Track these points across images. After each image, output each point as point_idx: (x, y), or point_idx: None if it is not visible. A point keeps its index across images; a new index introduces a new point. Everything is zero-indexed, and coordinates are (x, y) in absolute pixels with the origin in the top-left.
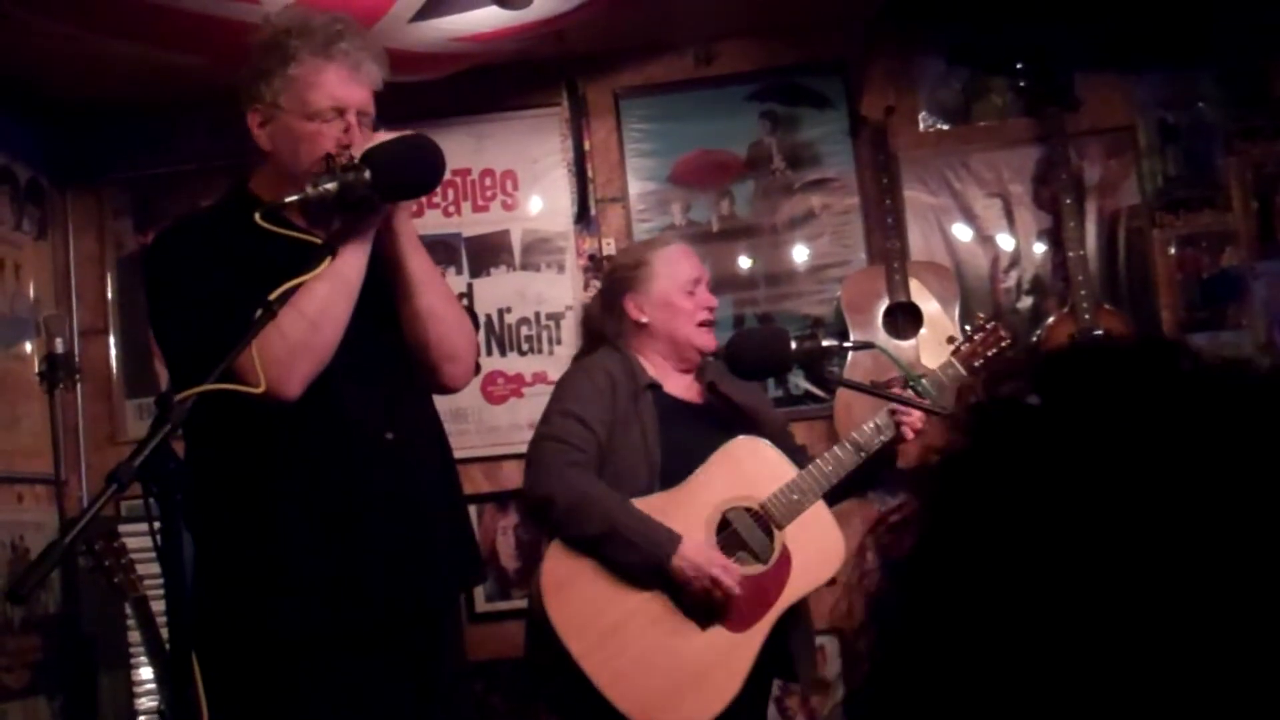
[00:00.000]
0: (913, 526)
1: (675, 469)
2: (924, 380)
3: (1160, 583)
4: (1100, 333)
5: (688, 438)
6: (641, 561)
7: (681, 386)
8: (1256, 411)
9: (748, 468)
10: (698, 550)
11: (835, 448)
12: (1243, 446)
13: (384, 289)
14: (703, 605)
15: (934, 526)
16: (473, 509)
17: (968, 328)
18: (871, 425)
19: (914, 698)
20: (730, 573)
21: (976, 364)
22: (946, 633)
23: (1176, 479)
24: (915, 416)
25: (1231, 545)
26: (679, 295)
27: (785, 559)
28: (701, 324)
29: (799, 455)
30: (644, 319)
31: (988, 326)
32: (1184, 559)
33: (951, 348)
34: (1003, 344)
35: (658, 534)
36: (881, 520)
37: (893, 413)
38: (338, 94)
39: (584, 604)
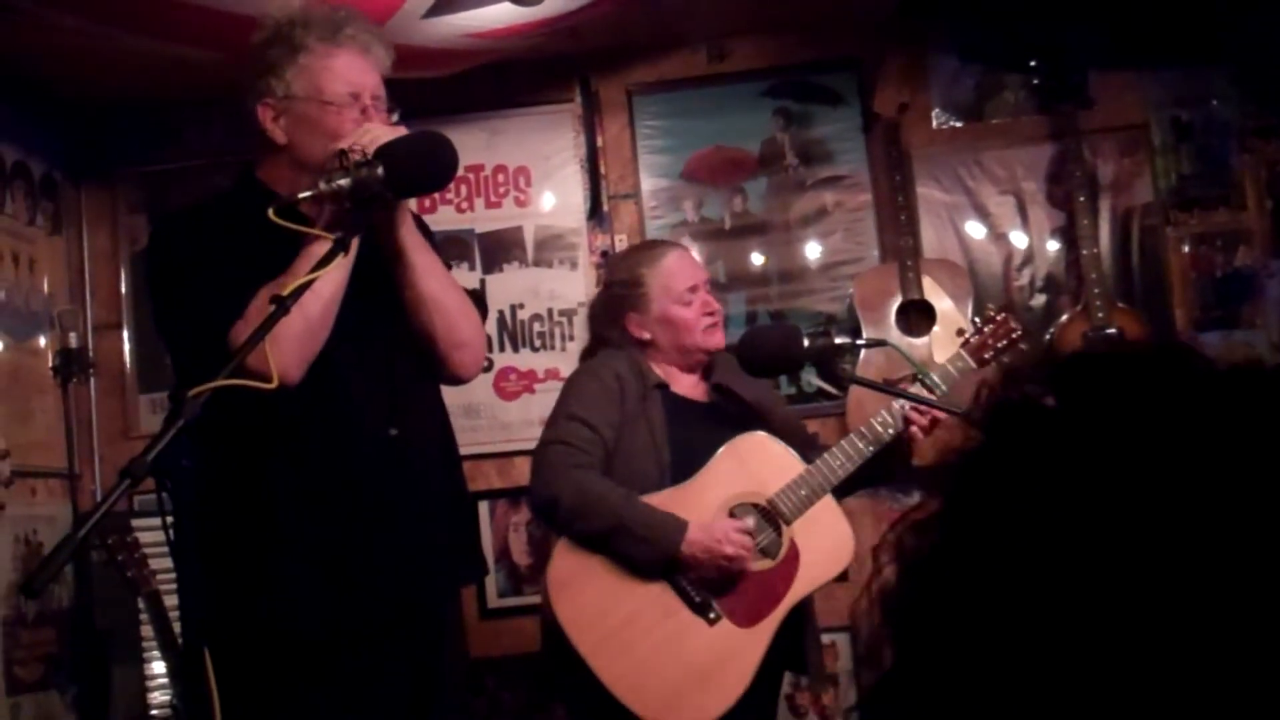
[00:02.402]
0: (932, 526)
1: (684, 467)
2: (934, 375)
3: (1174, 582)
4: (1113, 331)
5: (696, 436)
6: (650, 553)
7: (688, 385)
8: (1269, 413)
9: (754, 463)
10: (705, 532)
11: (843, 441)
12: (1257, 449)
13: (388, 283)
14: (716, 587)
15: (952, 526)
16: (485, 505)
17: (976, 320)
18: (880, 418)
19: (930, 697)
20: (744, 545)
21: (986, 356)
22: (963, 632)
23: (1191, 481)
24: (922, 416)
25: (1244, 545)
26: (677, 308)
27: (793, 555)
28: (706, 328)
29: (812, 446)
30: (647, 336)
31: (997, 318)
32: (1198, 559)
33: (961, 340)
34: (1013, 335)
35: (663, 524)
36: (901, 519)
37: (908, 421)
38: (352, 79)
39: (591, 601)
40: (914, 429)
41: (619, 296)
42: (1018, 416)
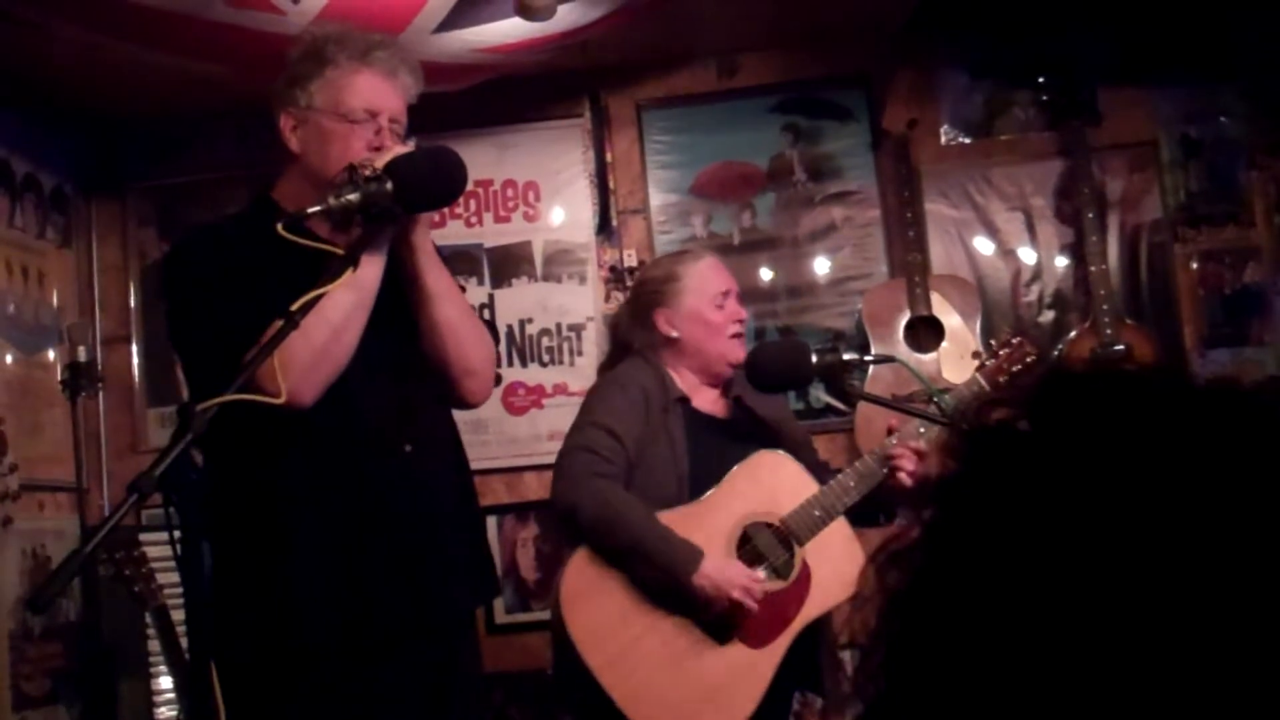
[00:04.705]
0: (913, 553)
1: (702, 482)
2: (947, 396)
3: (1149, 601)
4: (1122, 348)
5: (714, 451)
6: (662, 578)
7: (709, 401)
8: (1242, 433)
9: (770, 482)
10: (718, 569)
11: (857, 463)
12: (1230, 468)
13: (403, 302)
14: (721, 622)
15: (931, 553)
16: (493, 520)
17: (992, 343)
18: (894, 440)
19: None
20: (750, 593)
21: (1001, 380)
22: (944, 656)
23: (1165, 502)
24: (906, 457)
25: (1215, 559)
26: (709, 309)
27: (805, 576)
28: (732, 336)
29: (821, 470)
30: (674, 334)
31: (1013, 342)
32: (1169, 578)
33: (976, 364)
34: (1028, 359)
35: (680, 551)
36: (882, 547)
37: (889, 459)
38: (371, 98)
39: (603, 617)
40: (899, 471)
41: (651, 293)
42: (991, 442)
